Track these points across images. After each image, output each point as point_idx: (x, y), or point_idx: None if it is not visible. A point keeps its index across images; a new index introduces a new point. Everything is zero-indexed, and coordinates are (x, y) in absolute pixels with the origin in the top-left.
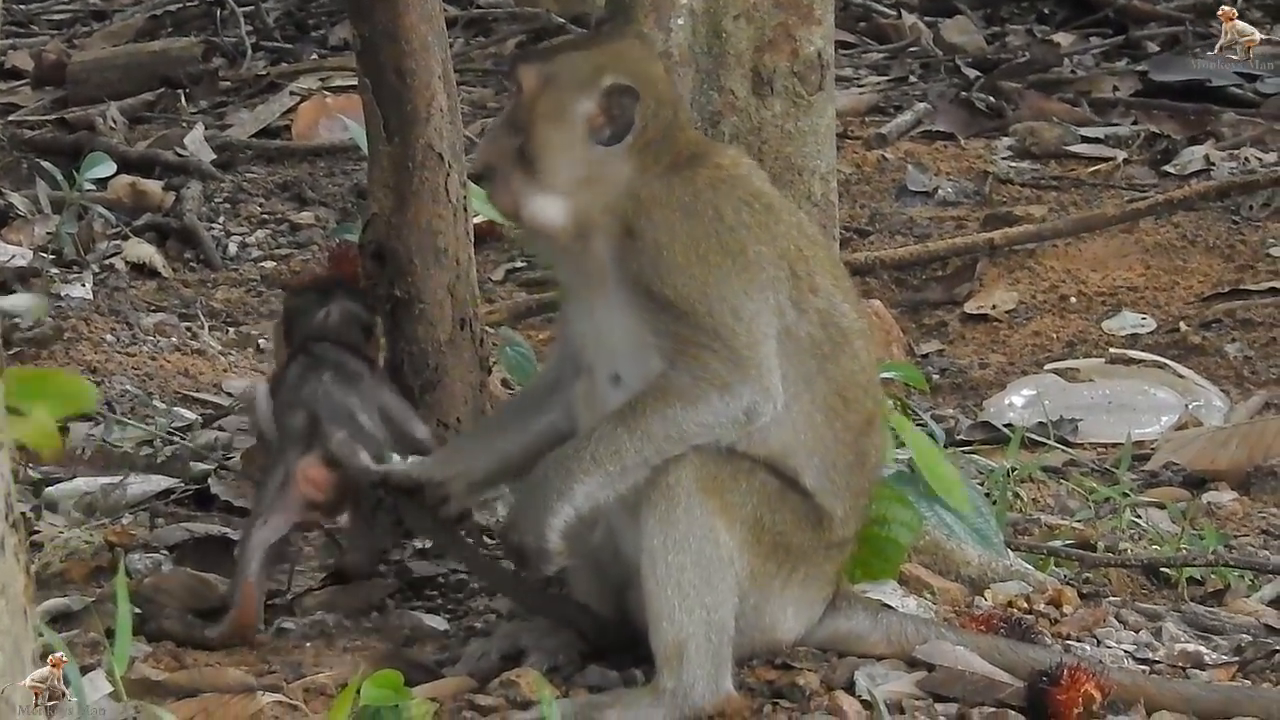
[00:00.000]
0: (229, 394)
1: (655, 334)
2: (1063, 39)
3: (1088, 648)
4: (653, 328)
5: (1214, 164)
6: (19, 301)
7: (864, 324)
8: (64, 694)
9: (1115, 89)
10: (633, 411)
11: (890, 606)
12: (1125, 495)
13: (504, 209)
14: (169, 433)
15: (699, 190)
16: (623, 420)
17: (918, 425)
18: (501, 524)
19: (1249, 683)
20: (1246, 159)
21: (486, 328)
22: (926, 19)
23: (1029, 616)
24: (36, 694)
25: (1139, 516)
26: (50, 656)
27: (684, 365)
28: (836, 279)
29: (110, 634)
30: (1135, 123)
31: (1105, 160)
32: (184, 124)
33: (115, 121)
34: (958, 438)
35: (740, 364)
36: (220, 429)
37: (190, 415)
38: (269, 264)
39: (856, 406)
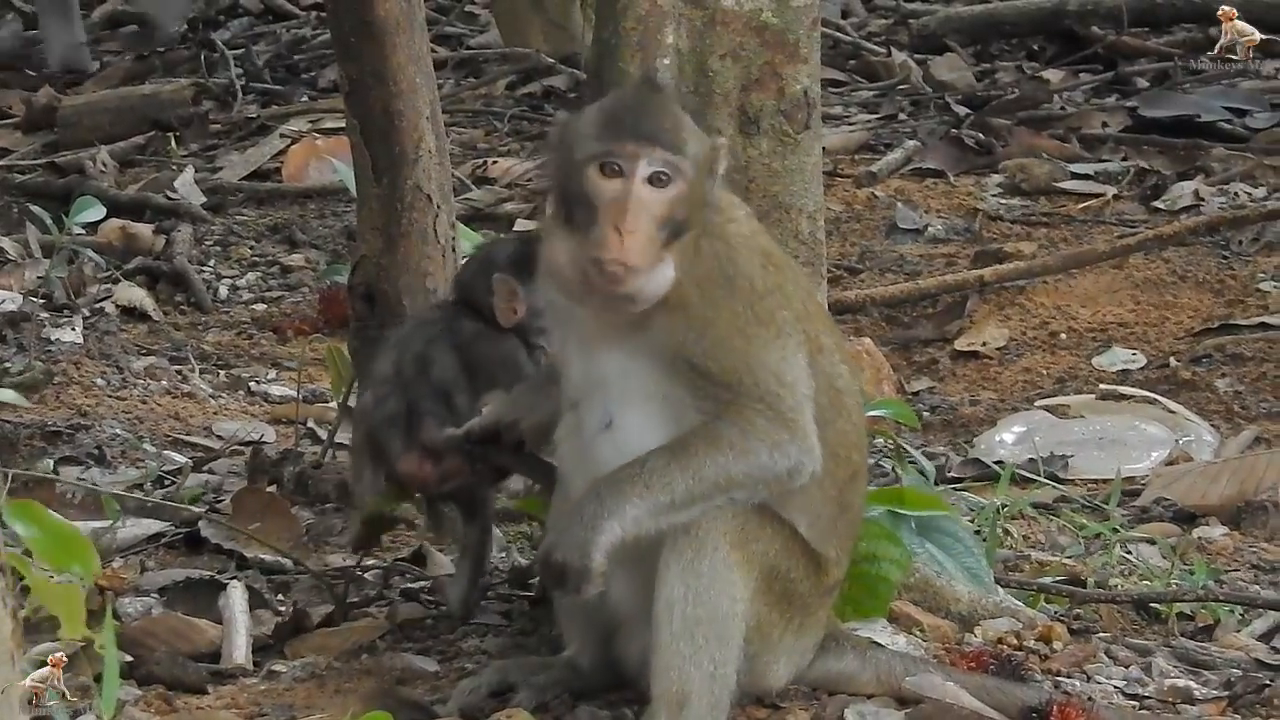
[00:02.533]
0: (219, 437)
1: (695, 397)
2: (1052, 75)
3: (1078, 683)
4: (692, 392)
5: (1204, 199)
6: None
7: (854, 380)
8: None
9: (1105, 125)
10: (684, 450)
11: (878, 644)
12: (1116, 531)
13: (633, 292)
14: (160, 476)
15: (732, 256)
16: (675, 456)
17: (909, 462)
18: (542, 546)
19: (1239, 718)
20: (1236, 194)
21: None
22: (916, 56)
23: (1019, 653)
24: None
25: (1129, 552)
26: (50, 657)
27: (732, 419)
28: (831, 331)
29: (99, 678)
30: (1125, 159)
31: (1095, 196)
32: (174, 167)
33: (105, 165)
34: (948, 475)
35: (787, 425)
36: (211, 472)
37: (181, 458)
38: (260, 306)
39: (845, 463)
